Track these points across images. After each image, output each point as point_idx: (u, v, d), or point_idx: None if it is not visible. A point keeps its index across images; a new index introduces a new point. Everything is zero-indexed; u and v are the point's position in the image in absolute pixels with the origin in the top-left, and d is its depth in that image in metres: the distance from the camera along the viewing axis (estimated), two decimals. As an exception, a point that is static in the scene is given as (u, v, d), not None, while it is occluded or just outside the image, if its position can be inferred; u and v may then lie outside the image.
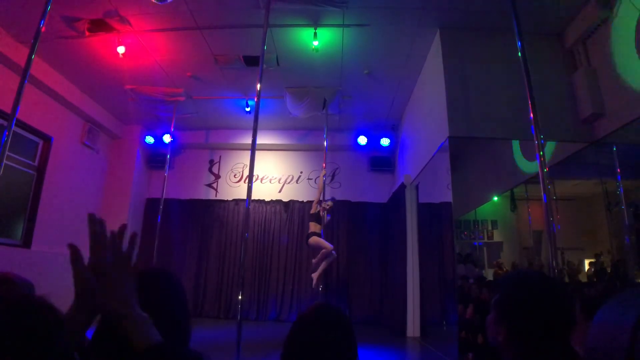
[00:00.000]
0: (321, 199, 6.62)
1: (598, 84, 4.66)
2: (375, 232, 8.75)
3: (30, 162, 6.79)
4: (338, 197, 6.97)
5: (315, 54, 5.85)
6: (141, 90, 7.00)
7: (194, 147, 9.39)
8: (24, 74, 3.69)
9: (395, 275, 7.52)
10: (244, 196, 8.26)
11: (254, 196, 8.39)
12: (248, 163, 4.36)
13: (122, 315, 0.82)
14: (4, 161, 3.46)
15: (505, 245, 7.86)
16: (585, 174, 6.44)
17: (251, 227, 8.82)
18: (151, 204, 8.93)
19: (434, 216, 8.06)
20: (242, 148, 9.16)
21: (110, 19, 5.32)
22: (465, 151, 6.62)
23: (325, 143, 7.16)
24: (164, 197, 7.37)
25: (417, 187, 7.36)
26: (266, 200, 9.07)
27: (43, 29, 3.87)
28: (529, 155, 5.93)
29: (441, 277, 7.85)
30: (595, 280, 6.38)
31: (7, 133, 3.45)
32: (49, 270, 6.43)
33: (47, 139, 6.99)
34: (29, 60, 3.71)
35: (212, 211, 9.12)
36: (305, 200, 8.99)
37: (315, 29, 5.43)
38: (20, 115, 3.68)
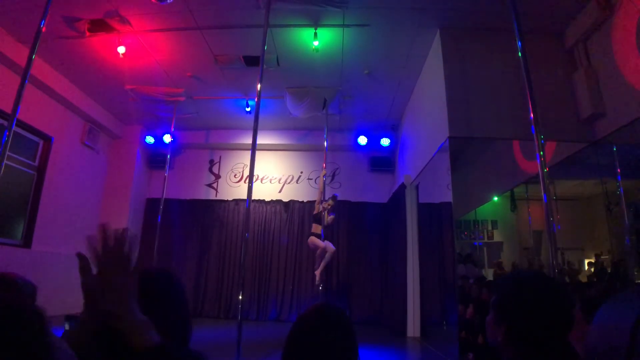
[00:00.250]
0: (323, 199, 6.63)
1: (598, 84, 4.65)
2: (375, 232, 8.75)
3: (31, 162, 6.80)
4: (338, 197, 6.93)
5: (316, 54, 5.85)
6: (141, 90, 7.00)
7: (194, 147, 9.40)
8: (25, 74, 3.70)
9: (396, 275, 7.52)
10: (244, 196, 8.27)
11: (254, 196, 8.38)
12: (248, 163, 4.37)
13: (121, 317, 0.82)
14: (5, 161, 3.46)
15: (506, 245, 7.87)
16: (586, 174, 6.44)
17: (251, 227, 8.82)
18: (151, 204, 8.93)
19: (434, 216, 8.06)
20: (242, 148, 9.17)
21: (110, 19, 5.32)
22: (466, 151, 6.62)
23: (325, 143, 7.16)
24: (164, 197, 7.38)
25: (417, 187, 7.36)
26: (266, 200, 9.08)
27: (43, 29, 3.87)
28: (529, 156, 5.93)
29: (441, 277, 7.85)
30: (595, 280, 6.38)
31: (7, 133, 3.45)
32: (50, 270, 6.44)
33: (48, 139, 6.99)
34: (29, 61, 3.72)
35: (212, 211, 9.12)
36: (305, 201, 9.00)
37: (316, 29, 5.43)
38: (20, 115, 3.69)
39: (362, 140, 8.58)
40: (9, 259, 5.66)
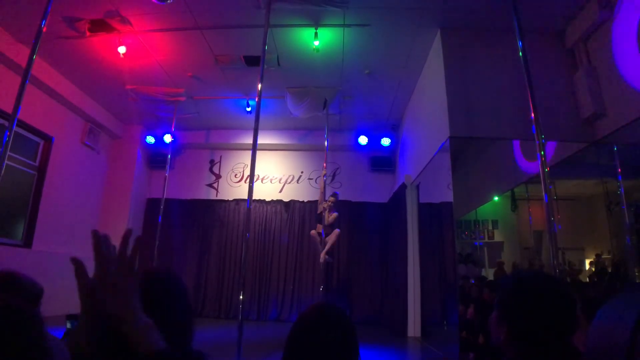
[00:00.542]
0: (324, 198, 6.65)
1: (599, 84, 4.65)
2: (375, 232, 8.75)
3: (31, 162, 6.80)
4: (339, 196, 6.93)
5: (316, 54, 5.85)
6: (142, 90, 7.00)
7: (195, 147, 9.40)
8: (25, 74, 3.70)
9: (396, 275, 7.52)
10: (245, 196, 8.29)
11: (255, 196, 8.36)
12: (249, 163, 4.37)
13: (125, 320, 0.82)
14: (5, 161, 3.47)
15: (506, 245, 7.85)
16: (586, 174, 6.43)
17: (252, 227, 8.82)
18: (152, 204, 8.94)
19: (434, 216, 8.05)
20: (242, 148, 9.17)
21: (111, 19, 5.32)
22: (466, 151, 6.61)
23: (326, 143, 7.16)
24: (164, 197, 7.38)
25: (417, 187, 7.36)
26: (267, 200, 9.08)
27: (44, 29, 3.87)
28: (529, 156, 5.93)
29: (442, 277, 7.84)
30: (595, 280, 6.37)
31: (8, 133, 3.46)
32: (50, 270, 6.44)
33: (48, 139, 7.00)
34: (30, 61, 3.72)
35: (213, 211, 9.12)
36: (306, 200, 9.00)
37: (316, 29, 5.43)
38: (21, 115, 3.69)
39: (363, 140, 8.58)
40: (9, 259, 5.66)
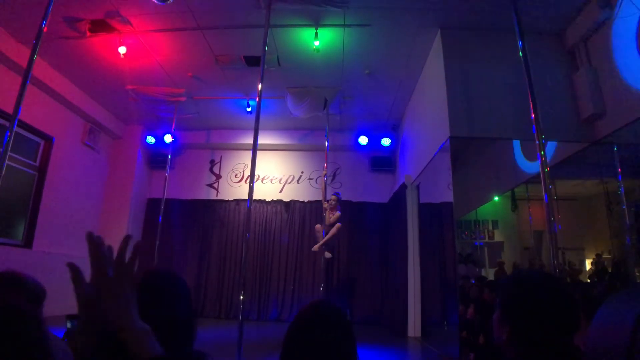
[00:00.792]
0: (326, 199, 6.67)
1: (599, 84, 4.65)
2: (376, 232, 8.75)
3: (32, 162, 6.81)
4: (340, 196, 6.89)
5: (316, 54, 5.85)
6: (142, 90, 7.01)
7: (195, 147, 9.40)
8: (26, 74, 3.70)
9: (396, 275, 7.52)
10: (245, 196, 8.28)
11: (255, 196, 8.37)
12: (249, 163, 4.37)
13: (122, 327, 0.82)
14: (6, 161, 3.47)
15: (506, 245, 7.86)
16: (586, 174, 6.43)
17: (252, 227, 8.82)
18: (152, 204, 8.94)
19: (434, 216, 8.04)
20: (243, 148, 9.17)
21: (111, 19, 5.33)
22: (466, 151, 6.62)
23: (326, 143, 7.16)
24: (165, 197, 7.38)
25: (418, 187, 7.36)
26: (267, 200, 9.08)
27: (45, 30, 3.88)
28: (529, 156, 5.93)
29: (442, 277, 7.83)
30: (596, 280, 6.37)
31: (8, 133, 3.46)
32: (51, 270, 6.44)
33: (49, 139, 7.00)
34: (30, 61, 3.72)
35: (213, 211, 9.13)
36: (306, 201, 9.00)
37: (316, 29, 5.44)
38: (21, 115, 3.69)
39: (363, 140, 8.58)
40: (9, 259, 5.67)
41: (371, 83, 6.85)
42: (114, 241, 0.85)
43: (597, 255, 6.67)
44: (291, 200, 9.07)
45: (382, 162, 9.03)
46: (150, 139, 8.93)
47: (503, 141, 5.67)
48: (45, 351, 0.70)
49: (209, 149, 9.44)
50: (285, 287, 8.56)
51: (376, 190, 8.96)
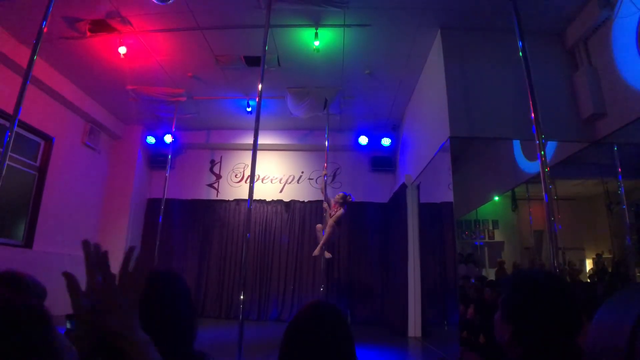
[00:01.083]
0: (325, 199, 6.66)
1: (599, 84, 4.65)
2: (376, 232, 8.75)
3: (32, 163, 6.81)
4: (347, 195, 6.72)
5: (317, 54, 5.85)
6: (142, 90, 7.01)
7: (195, 147, 9.40)
8: (26, 74, 3.70)
9: (397, 275, 7.52)
10: (245, 196, 8.27)
11: (255, 196, 8.38)
12: (249, 163, 4.37)
13: (124, 336, 0.81)
14: (6, 162, 3.47)
15: (507, 245, 7.85)
16: (587, 174, 6.43)
17: (252, 227, 8.82)
18: (152, 204, 8.94)
19: (435, 216, 8.04)
20: (243, 148, 9.17)
21: (111, 19, 5.33)
22: (467, 151, 6.62)
23: (326, 143, 7.16)
24: (165, 197, 7.38)
25: (418, 187, 7.36)
26: (267, 200, 9.08)
27: (45, 30, 3.88)
28: (530, 156, 5.93)
29: (442, 277, 7.84)
30: (596, 280, 6.37)
31: (9, 134, 3.46)
32: (51, 271, 6.44)
33: (49, 140, 7.00)
34: (30, 61, 3.73)
35: (214, 211, 9.13)
36: (306, 200, 9.00)
37: (317, 29, 5.43)
38: (22, 115, 3.69)
39: (363, 140, 8.58)
40: (10, 259, 5.66)
41: (371, 83, 6.85)
42: (114, 241, 0.85)
43: (597, 255, 6.66)
44: (291, 200, 9.07)
45: (382, 162, 9.03)
46: (151, 139, 8.93)
47: (503, 141, 5.67)
48: (53, 350, 0.70)
49: (209, 149, 9.44)
50: (286, 287, 8.57)
51: (376, 190, 8.96)
